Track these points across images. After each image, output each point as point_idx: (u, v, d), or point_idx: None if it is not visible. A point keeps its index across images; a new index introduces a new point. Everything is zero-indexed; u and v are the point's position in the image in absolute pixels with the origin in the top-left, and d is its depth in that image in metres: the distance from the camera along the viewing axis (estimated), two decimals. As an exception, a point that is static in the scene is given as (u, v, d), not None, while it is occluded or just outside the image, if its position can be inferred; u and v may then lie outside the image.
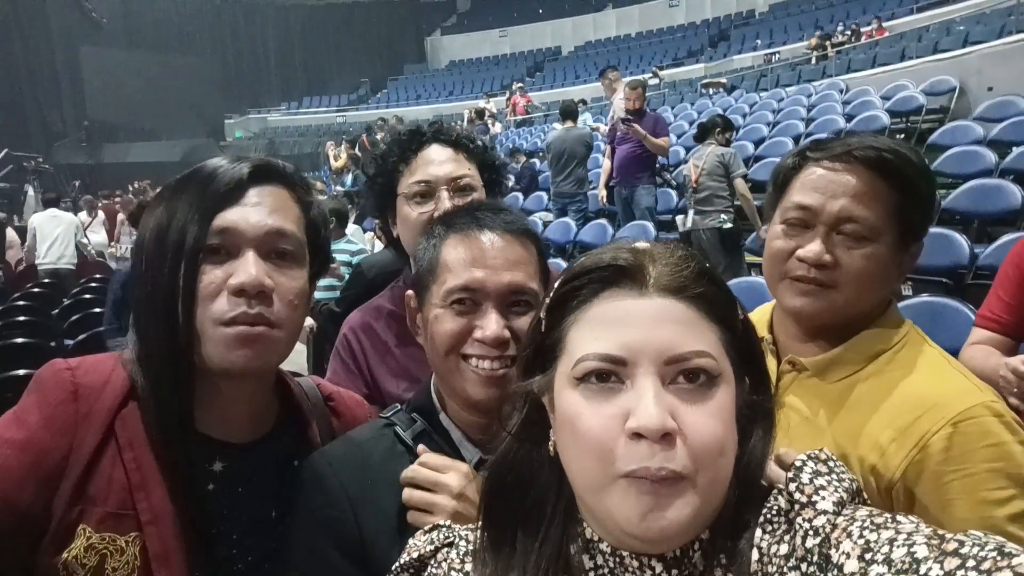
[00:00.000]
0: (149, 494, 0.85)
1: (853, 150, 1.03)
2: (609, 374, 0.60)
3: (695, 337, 0.60)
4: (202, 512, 0.89)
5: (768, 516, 0.63)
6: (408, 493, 0.88)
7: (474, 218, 0.97)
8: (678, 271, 0.62)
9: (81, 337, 4.41)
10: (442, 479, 0.88)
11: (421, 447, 0.93)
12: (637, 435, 0.56)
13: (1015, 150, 5.65)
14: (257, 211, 0.90)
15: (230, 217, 0.88)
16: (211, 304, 0.86)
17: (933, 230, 4.15)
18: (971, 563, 0.48)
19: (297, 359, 6.03)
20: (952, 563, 0.48)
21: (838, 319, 1.05)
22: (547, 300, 0.67)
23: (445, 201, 1.30)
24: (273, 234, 0.90)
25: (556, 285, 0.67)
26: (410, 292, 1.01)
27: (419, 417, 0.98)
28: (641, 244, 0.66)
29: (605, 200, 6.98)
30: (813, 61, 14.17)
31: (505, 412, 0.72)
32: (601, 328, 0.61)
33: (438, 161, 1.34)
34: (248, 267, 0.87)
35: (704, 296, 0.62)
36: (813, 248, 1.02)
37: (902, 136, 8.25)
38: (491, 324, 0.91)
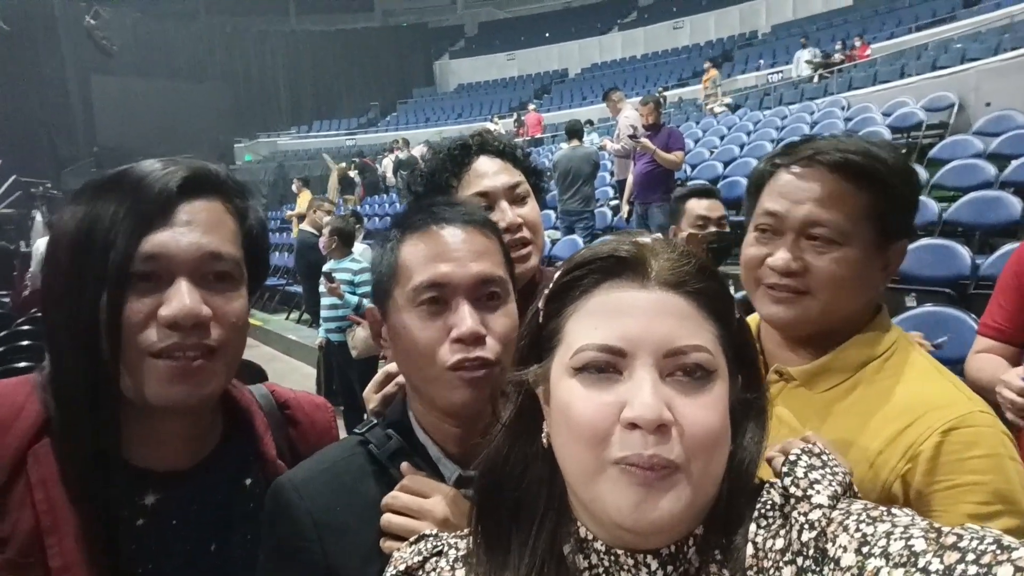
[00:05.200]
0: (61, 538, 0.76)
1: (817, 154, 1.01)
2: (607, 365, 0.60)
3: (693, 332, 0.60)
4: (126, 552, 0.80)
5: (763, 511, 0.63)
6: (387, 519, 0.83)
7: (430, 214, 0.92)
8: (679, 266, 0.62)
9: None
10: (426, 505, 0.83)
11: (405, 466, 0.88)
12: (633, 425, 0.56)
13: (1014, 163, 5.69)
14: (189, 232, 0.81)
15: (158, 240, 0.79)
16: (139, 335, 0.78)
17: (935, 241, 4.19)
18: (971, 556, 0.47)
19: (306, 383, 6.06)
20: (952, 557, 0.48)
21: (818, 326, 1.03)
22: (547, 290, 0.67)
23: (508, 212, 1.29)
24: (208, 257, 0.82)
25: (557, 275, 0.66)
26: (372, 305, 0.96)
27: (395, 434, 0.91)
28: (643, 238, 0.65)
29: (627, 216, 6.93)
30: (815, 80, 14.28)
31: (499, 405, 0.72)
32: (601, 318, 0.61)
33: (491, 172, 1.33)
34: (182, 297, 0.78)
35: (703, 292, 0.62)
36: (781, 256, 1.01)
37: (903, 151, 8.31)
38: (466, 319, 0.85)
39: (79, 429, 0.78)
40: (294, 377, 6.99)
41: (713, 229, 2.54)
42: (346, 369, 5.13)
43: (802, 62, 15.69)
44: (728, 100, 14.30)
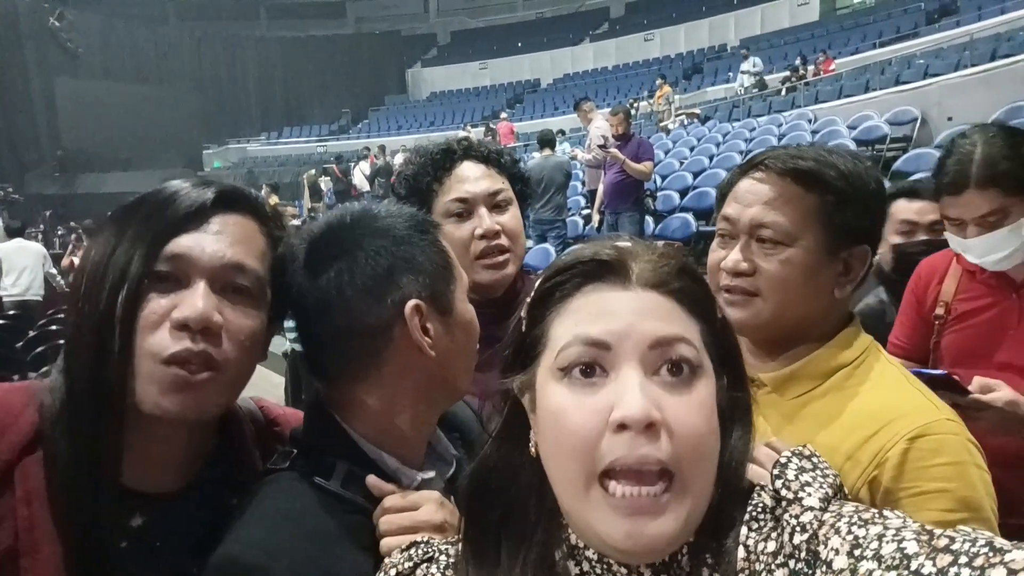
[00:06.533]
0: (37, 559, 0.73)
1: (767, 159, 1.05)
2: (593, 367, 0.59)
3: (677, 326, 0.61)
4: (105, 575, 0.77)
5: (754, 514, 0.63)
6: (387, 544, 0.80)
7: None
8: (659, 266, 0.63)
9: (45, 369, 4.30)
10: (421, 517, 0.81)
11: (371, 479, 0.85)
12: (622, 426, 0.56)
13: (975, 176, 5.81)
14: (217, 240, 0.81)
15: (184, 243, 0.80)
16: (150, 336, 0.77)
17: (898, 252, 4.26)
18: (963, 559, 0.47)
19: (275, 392, 5.96)
20: (944, 559, 0.48)
21: (774, 329, 1.05)
22: (528, 299, 0.67)
23: (485, 218, 1.30)
24: (231, 267, 0.81)
25: (539, 282, 0.66)
26: (415, 301, 0.86)
27: (337, 460, 0.86)
28: (622, 242, 0.66)
29: (597, 225, 7.00)
30: (783, 93, 14.55)
31: (486, 414, 0.72)
32: (583, 317, 0.61)
33: (473, 178, 1.33)
34: (196, 300, 0.77)
35: (684, 291, 0.63)
36: (732, 257, 1.05)
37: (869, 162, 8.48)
38: None
39: (80, 439, 0.75)
40: (263, 386, 6.81)
41: (922, 237, 2.03)
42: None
43: (740, 73, 16.02)
44: (682, 117, 14.45)
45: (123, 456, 0.78)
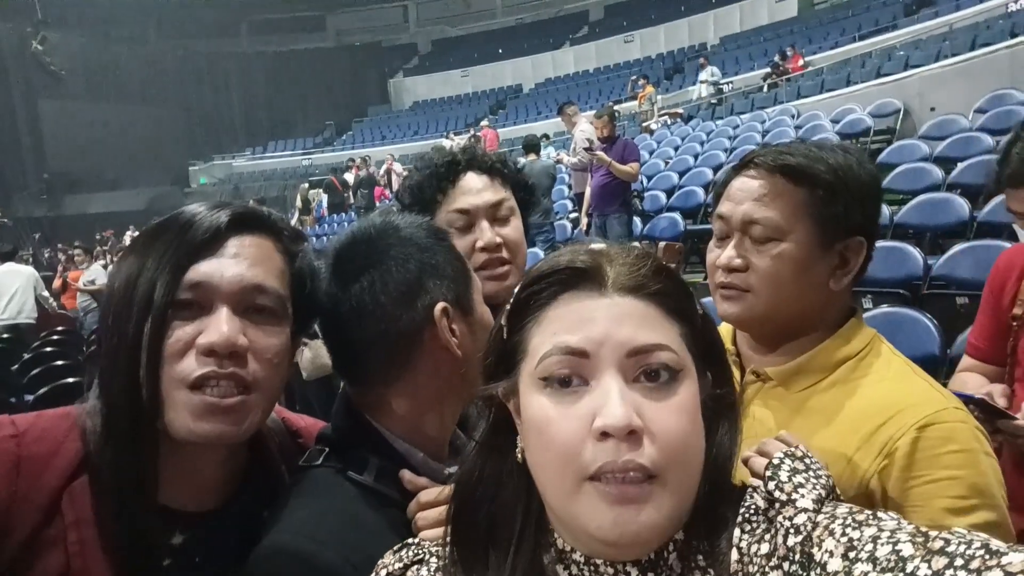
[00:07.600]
0: None
1: (757, 157, 1.06)
2: (572, 373, 0.59)
3: (655, 332, 0.60)
4: None
5: (746, 515, 0.62)
6: (427, 536, 0.81)
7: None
8: (635, 270, 0.63)
9: (41, 391, 4.29)
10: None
11: (406, 473, 0.88)
12: (604, 434, 0.56)
13: (959, 165, 5.85)
14: (235, 263, 0.83)
15: (204, 270, 0.81)
16: (177, 363, 0.79)
17: (887, 244, 4.26)
18: (959, 561, 0.47)
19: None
20: (940, 562, 0.48)
21: (770, 324, 1.06)
22: (508, 307, 0.67)
23: (487, 231, 1.31)
24: (251, 289, 0.83)
25: (517, 290, 0.67)
26: (443, 304, 0.91)
27: (369, 454, 0.90)
28: (597, 246, 0.66)
29: (585, 228, 6.99)
30: (765, 89, 14.63)
31: (472, 421, 0.72)
32: (561, 325, 0.61)
33: (476, 190, 1.34)
34: (220, 325, 0.79)
35: (662, 292, 0.62)
36: (726, 254, 1.06)
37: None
38: None
39: (120, 463, 0.78)
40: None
41: None
42: (303, 390, 5.02)
43: (699, 83, 16.04)
44: (665, 118, 14.47)
45: (160, 478, 0.81)
